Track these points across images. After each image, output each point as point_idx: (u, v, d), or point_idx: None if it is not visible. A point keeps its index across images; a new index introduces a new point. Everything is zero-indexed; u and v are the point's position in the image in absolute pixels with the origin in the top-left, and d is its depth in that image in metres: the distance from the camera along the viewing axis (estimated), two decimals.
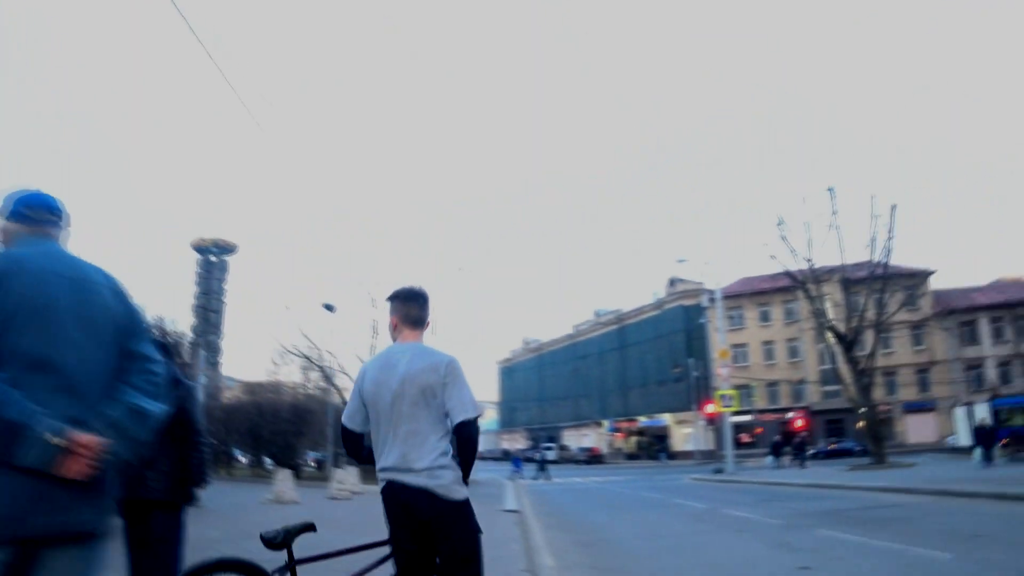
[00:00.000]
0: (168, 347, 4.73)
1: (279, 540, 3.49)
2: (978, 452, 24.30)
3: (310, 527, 3.70)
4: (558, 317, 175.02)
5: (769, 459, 36.47)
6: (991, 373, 57.46)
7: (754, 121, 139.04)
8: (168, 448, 4.25)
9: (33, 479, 2.00)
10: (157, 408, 2.29)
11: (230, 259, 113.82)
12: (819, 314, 33.61)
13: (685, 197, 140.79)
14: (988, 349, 58.67)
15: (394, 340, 3.60)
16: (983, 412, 39.64)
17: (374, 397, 3.39)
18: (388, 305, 3.63)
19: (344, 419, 3.61)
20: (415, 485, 3.23)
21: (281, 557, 3.54)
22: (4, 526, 1.97)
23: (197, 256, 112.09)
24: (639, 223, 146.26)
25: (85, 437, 2.03)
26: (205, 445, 4.59)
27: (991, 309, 58.91)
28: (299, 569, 3.54)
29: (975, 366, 58.58)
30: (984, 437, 24.63)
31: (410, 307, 3.58)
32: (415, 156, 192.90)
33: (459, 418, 3.28)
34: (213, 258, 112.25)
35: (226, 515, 13.35)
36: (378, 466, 3.39)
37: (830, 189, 33.83)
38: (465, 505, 3.33)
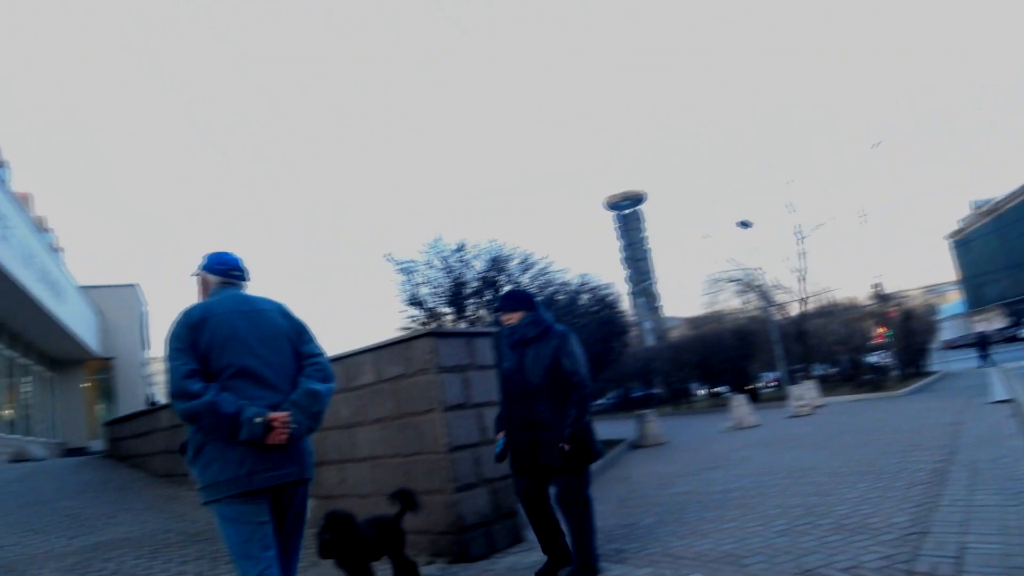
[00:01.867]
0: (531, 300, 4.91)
1: None
2: None
3: None
4: (1008, 170, 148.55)
5: None
6: None
7: None
8: (556, 415, 4.36)
9: (254, 449, 3.05)
10: (324, 387, 3.31)
11: (643, 208, 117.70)
12: None
13: None
14: None
15: None
16: None
17: None
18: None
19: None
20: None
21: None
22: (244, 482, 3.03)
23: (613, 213, 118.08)
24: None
25: (278, 415, 3.10)
26: (581, 398, 4.57)
27: None
28: None
29: None
30: None
31: None
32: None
33: None
34: (627, 211, 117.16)
35: (689, 448, 13.65)
36: None
37: None
38: None
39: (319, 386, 3.28)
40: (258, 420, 3.01)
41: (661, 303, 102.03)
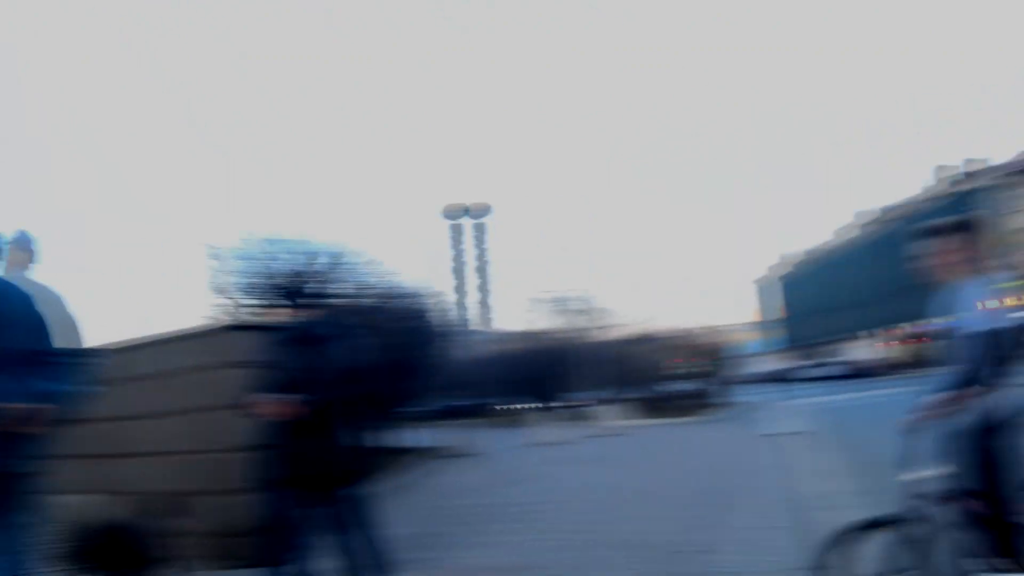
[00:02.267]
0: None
1: None
2: None
3: None
4: (813, 225, 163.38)
5: None
6: None
7: None
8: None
9: None
10: (59, 388, 3.09)
11: (486, 220, 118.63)
12: None
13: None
14: None
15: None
16: None
17: None
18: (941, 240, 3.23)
19: None
20: None
21: None
22: None
23: (450, 222, 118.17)
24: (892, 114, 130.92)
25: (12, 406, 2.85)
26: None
27: None
28: None
29: None
30: None
31: None
32: None
33: None
34: (466, 221, 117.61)
35: (495, 461, 13.87)
36: None
37: None
38: None
39: (53, 385, 3.13)
40: None
41: (492, 315, 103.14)
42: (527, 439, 17.08)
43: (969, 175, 53.85)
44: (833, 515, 6.10)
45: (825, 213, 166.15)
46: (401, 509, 7.49)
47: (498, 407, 33.50)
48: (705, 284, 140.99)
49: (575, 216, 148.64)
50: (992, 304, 2.97)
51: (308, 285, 8.95)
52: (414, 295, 15.18)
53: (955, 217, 3.23)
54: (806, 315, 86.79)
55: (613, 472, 10.16)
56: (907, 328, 64.75)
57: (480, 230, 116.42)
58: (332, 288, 9.55)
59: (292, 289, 4.86)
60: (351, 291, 11.63)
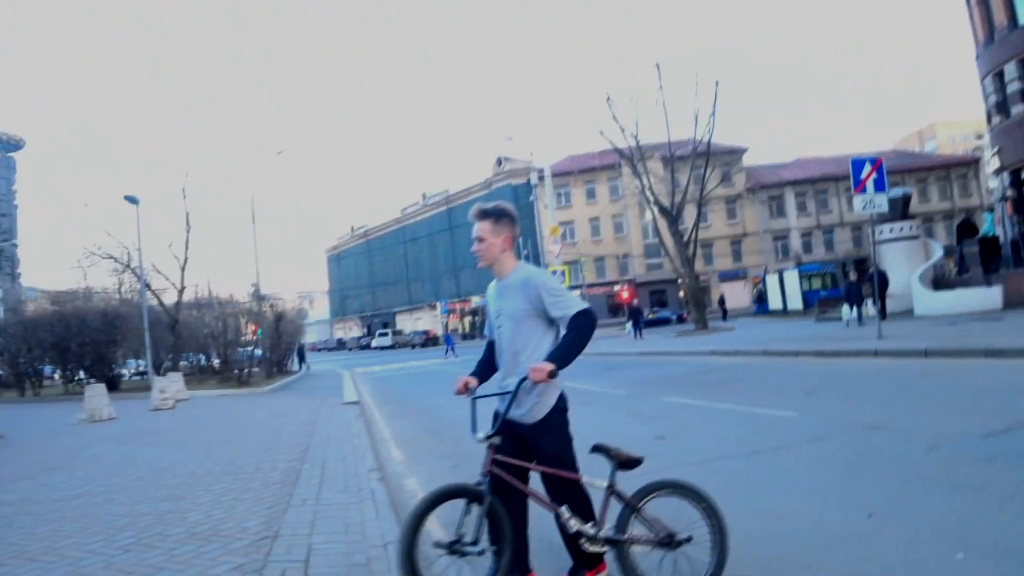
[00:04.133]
0: None
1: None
2: (846, 310, 23.50)
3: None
4: (386, 202, 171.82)
5: (629, 328, 35.94)
6: (795, 243, 62.73)
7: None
8: None
9: None
10: None
11: (17, 156, 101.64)
12: (646, 190, 34.40)
13: (511, 75, 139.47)
14: (793, 221, 63.80)
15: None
16: (793, 279, 42.89)
17: None
18: (501, 223, 3.46)
19: None
20: None
21: None
22: None
23: None
24: (464, 103, 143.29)
25: None
26: None
27: (796, 184, 63.75)
28: None
29: (781, 237, 63.64)
30: (854, 295, 22.99)
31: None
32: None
33: None
34: None
35: (30, 444, 11.86)
36: None
37: (656, 65, 34.51)
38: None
39: None
40: None
41: (19, 270, 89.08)
42: (76, 417, 14.98)
43: (519, 171, 61.03)
44: (414, 484, 6.33)
45: (400, 193, 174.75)
46: None
47: (32, 379, 28.85)
48: (280, 252, 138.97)
49: (135, 169, 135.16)
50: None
51: None
52: None
53: (493, 204, 3.48)
54: (358, 288, 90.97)
55: (177, 451, 9.29)
56: (458, 304, 71.44)
57: (7, 166, 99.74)
58: None
59: None
60: None
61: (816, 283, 43.34)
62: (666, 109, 32.69)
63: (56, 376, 31.18)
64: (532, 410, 3.25)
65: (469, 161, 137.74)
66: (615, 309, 58.14)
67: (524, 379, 3.10)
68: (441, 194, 75.72)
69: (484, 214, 3.43)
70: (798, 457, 5.87)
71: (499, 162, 67.03)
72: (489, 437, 3.12)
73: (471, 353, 33.52)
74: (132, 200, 25.75)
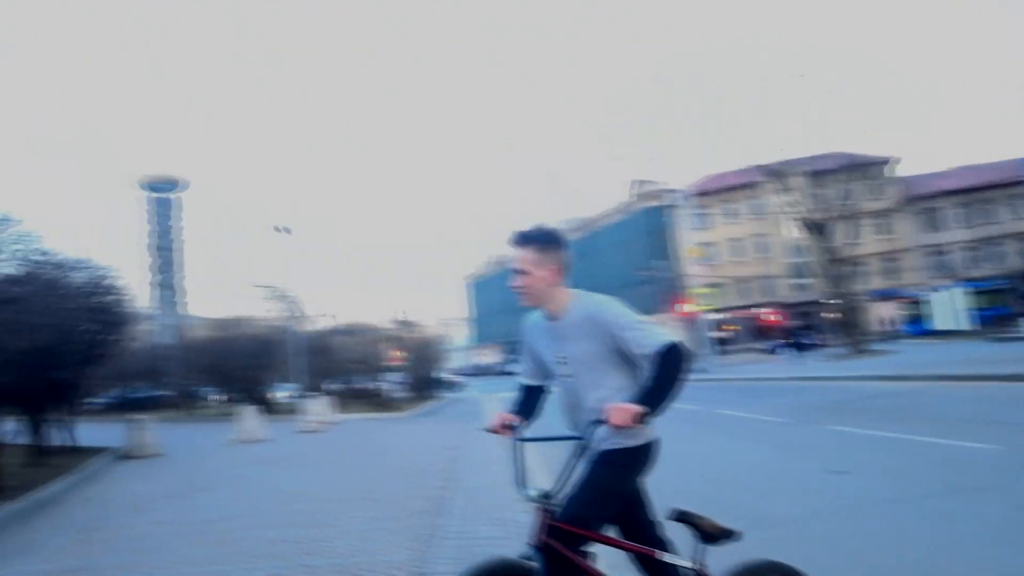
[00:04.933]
0: None
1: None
2: None
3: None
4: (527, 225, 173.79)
5: (784, 351, 33.90)
6: (956, 258, 57.96)
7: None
8: None
9: None
10: None
11: (182, 195, 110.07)
12: (792, 205, 32.77)
13: (643, 96, 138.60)
14: (953, 235, 58.99)
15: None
16: (958, 297, 39.72)
17: None
18: (549, 250, 2.72)
19: None
20: None
21: None
22: None
23: (146, 194, 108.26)
24: (596, 125, 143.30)
25: None
26: None
27: (955, 195, 58.99)
28: None
29: (940, 252, 59.00)
30: None
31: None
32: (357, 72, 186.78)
33: None
34: (163, 195, 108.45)
35: (185, 462, 12.30)
36: None
37: (801, 75, 33.00)
38: None
39: None
40: None
41: (186, 299, 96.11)
42: (229, 437, 15.56)
43: (656, 193, 59.82)
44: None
45: (536, 219, 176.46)
46: (61, 532, 6.10)
47: (192, 399, 30.70)
48: (420, 280, 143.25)
49: (284, 203, 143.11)
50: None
51: None
52: (99, 271, 13.11)
53: (536, 227, 2.79)
54: (498, 315, 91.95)
55: (323, 475, 9.29)
56: None
57: (175, 206, 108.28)
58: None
59: None
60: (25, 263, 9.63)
61: (984, 301, 39.87)
62: (810, 120, 31.10)
63: (214, 397, 32.93)
64: (607, 439, 2.50)
65: (604, 184, 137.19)
66: (760, 332, 55.75)
67: (600, 421, 2.35)
68: (577, 219, 75.58)
69: (526, 239, 2.71)
70: (1008, 499, 5.01)
71: (634, 184, 66.18)
72: (546, 497, 2.41)
73: None
74: (284, 230, 26.98)
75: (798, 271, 56.08)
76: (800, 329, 36.46)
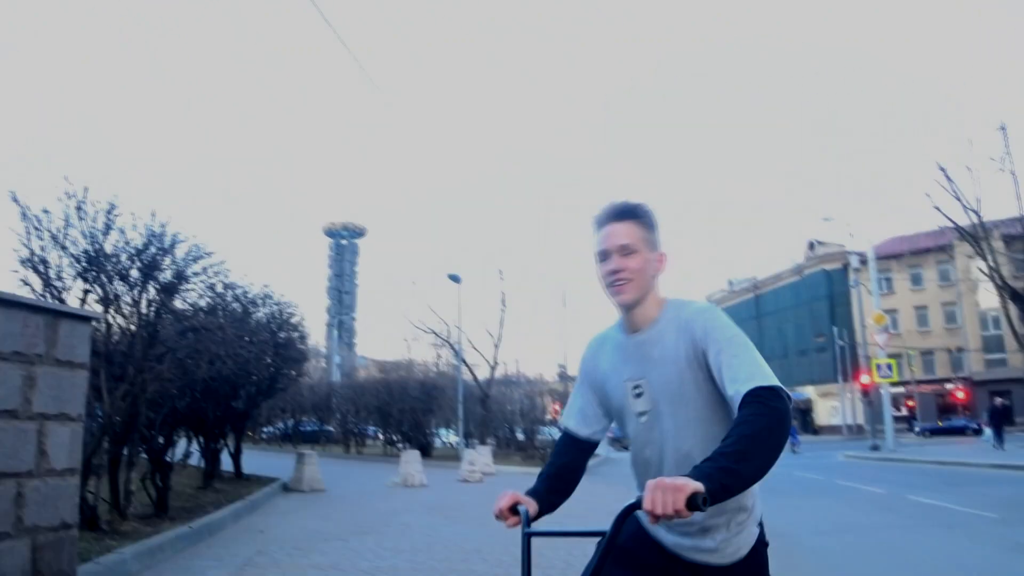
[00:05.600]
0: None
1: None
2: None
3: None
4: (690, 288, 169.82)
5: (988, 434, 30.56)
6: None
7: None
8: None
9: None
10: None
11: (360, 242, 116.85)
12: (991, 272, 29.73)
13: (820, 153, 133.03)
14: None
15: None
16: None
17: None
18: (655, 232, 1.90)
19: None
20: None
21: None
22: None
23: (329, 240, 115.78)
24: (774, 182, 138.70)
25: None
26: None
27: None
28: None
29: None
30: None
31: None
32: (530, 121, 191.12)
33: None
34: (344, 241, 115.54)
35: (347, 501, 12.43)
36: None
37: (1002, 127, 30.19)
38: None
39: None
40: None
41: (355, 340, 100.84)
42: (390, 479, 15.73)
43: (836, 255, 56.46)
44: None
45: (705, 279, 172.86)
46: (226, 564, 6.10)
47: (356, 437, 31.77)
48: (585, 331, 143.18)
49: (458, 245, 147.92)
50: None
51: (160, 271, 7.44)
52: (282, 307, 13.79)
53: (632, 202, 1.89)
54: None
55: (484, 530, 8.94)
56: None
57: (352, 251, 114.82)
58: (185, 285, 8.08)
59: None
60: (220, 294, 10.23)
61: None
62: (1016, 176, 28.17)
63: (378, 437, 33.90)
64: (730, 544, 1.83)
65: (776, 246, 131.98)
66: (947, 409, 51.03)
67: (635, 505, 1.50)
68: (748, 280, 72.98)
69: (631, 212, 1.86)
70: None
71: (811, 245, 63.06)
72: None
73: (858, 448, 30.91)
74: (454, 279, 27.59)
75: (993, 345, 51.05)
76: (1003, 408, 32.52)
